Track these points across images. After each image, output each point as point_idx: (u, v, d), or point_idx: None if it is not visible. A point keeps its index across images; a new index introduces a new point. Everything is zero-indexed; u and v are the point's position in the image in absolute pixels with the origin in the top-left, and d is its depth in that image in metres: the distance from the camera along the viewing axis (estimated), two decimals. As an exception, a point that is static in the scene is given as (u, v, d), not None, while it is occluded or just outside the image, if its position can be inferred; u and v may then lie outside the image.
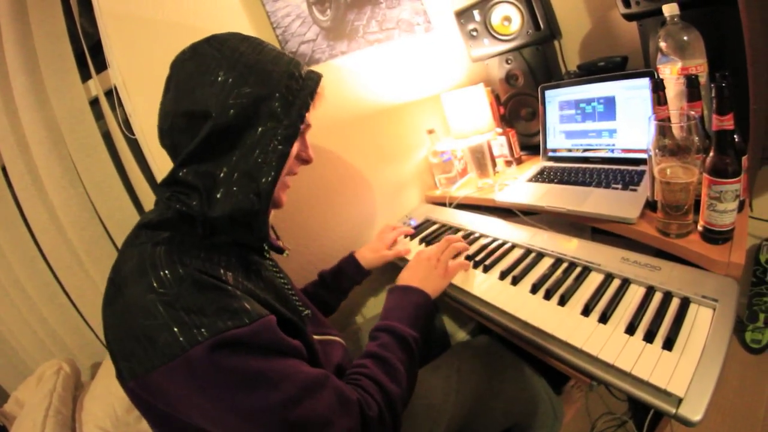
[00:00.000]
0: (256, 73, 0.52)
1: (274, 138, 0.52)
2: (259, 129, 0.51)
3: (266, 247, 0.58)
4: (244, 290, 0.49)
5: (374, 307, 1.22)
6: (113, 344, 0.45)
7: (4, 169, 1.00)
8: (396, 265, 0.98)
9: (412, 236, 1.08)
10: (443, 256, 0.82)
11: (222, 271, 0.49)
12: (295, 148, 0.58)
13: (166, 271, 0.44)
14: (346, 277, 0.97)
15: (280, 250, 0.61)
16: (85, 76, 0.95)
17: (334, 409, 0.48)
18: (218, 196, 0.50)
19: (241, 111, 0.50)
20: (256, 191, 0.51)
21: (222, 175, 0.50)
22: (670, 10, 0.75)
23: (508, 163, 1.22)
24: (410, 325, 0.66)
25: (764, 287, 1.09)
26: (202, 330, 0.41)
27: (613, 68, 1.00)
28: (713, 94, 0.60)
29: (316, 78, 0.58)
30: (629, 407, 1.06)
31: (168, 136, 0.53)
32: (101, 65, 0.89)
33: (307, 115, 0.56)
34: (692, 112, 0.66)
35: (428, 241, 1.04)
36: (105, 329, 0.46)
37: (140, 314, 0.42)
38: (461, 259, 0.87)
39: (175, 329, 0.41)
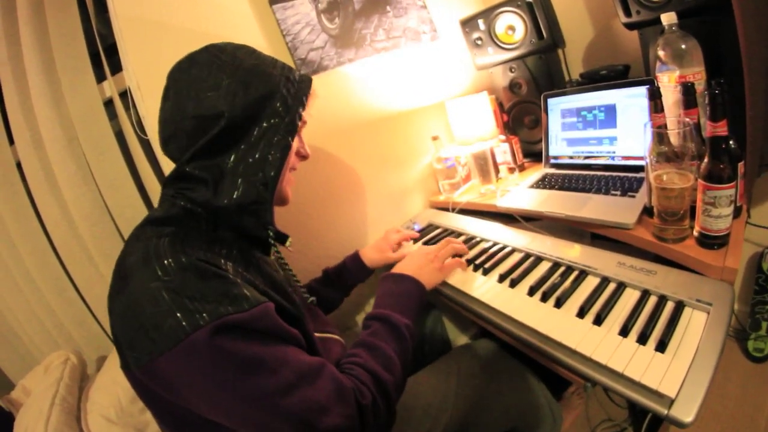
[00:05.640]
0: (258, 77, 0.56)
1: (277, 132, 0.57)
2: (264, 124, 0.56)
3: (272, 234, 0.59)
4: (243, 280, 0.51)
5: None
6: (120, 334, 0.46)
7: (19, 165, 1.03)
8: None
9: (416, 240, 1.09)
10: (441, 253, 0.84)
11: (223, 261, 0.51)
12: (295, 144, 0.62)
13: (170, 260, 0.46)
14: (349, 275, 0.98)
15: (284, 238, 0.62)
16: (100, 77, 0.98)
17: (331, 397, 0.49)
18: (226, 185, 0.54)
19: (250, 111, 0.55)
20: (263, 181, 0.55)
21: (229, 166, 0.54)
22: (668, 19, 0.76)
23: (511, 170, 1.23)
24: (403, 313, 0.67)
25: (767, 295, 1.08)
26: (204, 315, 0.42)
27: (615, 77, 1.01)
28: (707, 101, 0.62)
29: (307, 80, 0.64)
30: (629, 414, 1.05)
31: (173, 140, 0.56)
32: (116, 66, 0.92)
33: (302, 112, 0.61)
34: (687, 119, 0.67)
35: (430, 244, 1.05)
36: (111, 321, 0.48)
37: (146, 302, 0.43)
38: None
39: (179, 315, 0.42)
